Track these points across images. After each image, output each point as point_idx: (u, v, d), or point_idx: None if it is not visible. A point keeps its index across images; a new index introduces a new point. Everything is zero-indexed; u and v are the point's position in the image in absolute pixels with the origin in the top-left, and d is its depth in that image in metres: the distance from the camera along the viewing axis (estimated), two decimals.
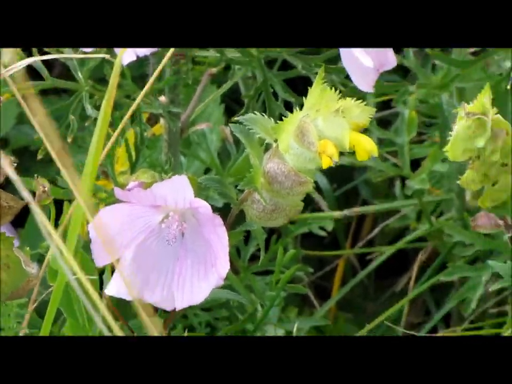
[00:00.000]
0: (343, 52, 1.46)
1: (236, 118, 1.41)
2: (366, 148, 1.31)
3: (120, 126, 1.35)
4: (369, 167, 1.53)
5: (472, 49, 1.91)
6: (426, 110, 1.54)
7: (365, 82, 1.43)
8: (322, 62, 1.45)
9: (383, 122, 1.54)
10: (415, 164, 1.69)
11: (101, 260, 1.37)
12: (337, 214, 1.57)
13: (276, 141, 1.33)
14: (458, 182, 1.33)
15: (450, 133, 1.30)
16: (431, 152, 1.50)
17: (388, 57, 1.50)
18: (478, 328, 1.60)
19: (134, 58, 1.52)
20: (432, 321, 1.63)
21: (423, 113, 1.55)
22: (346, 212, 1.54)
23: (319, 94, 1.32)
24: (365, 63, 1.39)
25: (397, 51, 1.65)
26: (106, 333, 1.30)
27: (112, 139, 1.38)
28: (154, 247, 1.40)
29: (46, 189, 1.42)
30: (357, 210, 1.61)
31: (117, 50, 1.55)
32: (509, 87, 1.38)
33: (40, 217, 1.22)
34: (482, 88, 1.40)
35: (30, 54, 1.58)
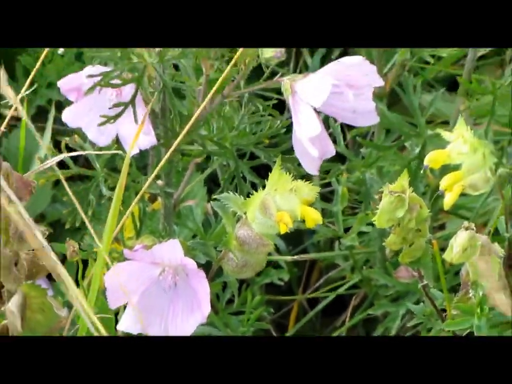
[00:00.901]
0: (296, 145, 1.38)
1: (215, 196, 1.38)
2: (313, 217, 1.30)
3: (133, 204, 1.36)
4: (315, 231, 1.52)
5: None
6: (356, 187, 1.53)
7: (312, 167, 1.36)
8: (279, 153, 1.39)
9: (325, 197, 1.56)
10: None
11: (113, 303, 1.33)
12: (289, 258, 1.61)
13: (245, 213, 1.31)
14: (383, 243, 1.32)
15: (377, 206, 1.29)
16: (358, 218, 1.50)
17: (328, 148, 1.42)
18: None
19: (137, 151, 1.46)
20: None
21: (354, 190, 1.53)
22: (296, 257, 1.61)
23: (277, 177, 1.31)
24: (312, 153, 1.33)
25: (333, 141, 1.49)
26: None
27: (125, 217, 1.36)
28: (154, 294, 1.37)
29: (75, 248, 1.40)
30: (303, 256, 1.66)
31: (126, 146, 1.47)
32: (422, 171, 1.39)
33: (65, 276, 1.19)
34: (397, 166, 1.45)
35: (59, 150, 1.46)
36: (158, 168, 1.33)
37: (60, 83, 1.44)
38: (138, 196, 1.34)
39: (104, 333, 1.27)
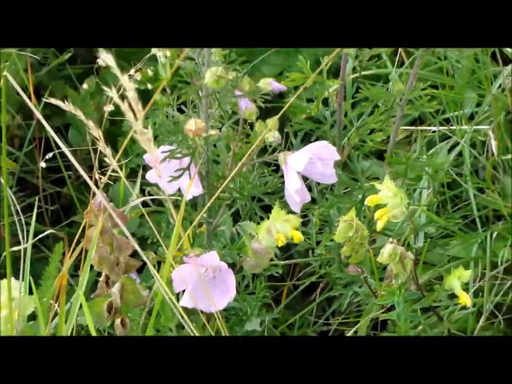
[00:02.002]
0: (286, 194, 1.35)
1: (239, 224, 1.38)
2: (298, 236, 1.26)
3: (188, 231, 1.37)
4: (298, 244, 1.40)
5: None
6: (324, 218, 1.49)
7: (296, 207, 1.32)
8: (277, 198, 1.34)
9: (305, 224, 1.46)
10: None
11: (177, 289, 1.29)
12: (282, 262, 1.49)
13: (257, 234, 1.28)
14: (340, 251, 1.31)
15: (337, 229, 1.28)
16: (325, 236, 1.45)
17: (306, 196, 1.37)
18: (346, 318, 1.52)
19: (191, 197, 1.41)
20: (326, 314, 1.55)
21: (322, 220, 1.48)
22: (286, 262, 1.51)
23: (276, 213, 1.26)
24: (296, 199, 1.31)
25: (309, 190, 1.44)
26: (181, 320, 1.24)
27: (184, 236, 1.31)
28: (201, 283, 1.31)
29: (153, 255, 1.38)
30: (290, 261, 1.55)
31: (184, 193, 1.37)
32: (363, 208, 1.40)
33: (152, 269, 1.20)
34: (348, 205, 1.41)
35: (143, 195, 1.43)
36: (205, 208, 1.32)
37: (144, 156, 1.41)
38: (193, 224, 1.32)
39: (176, 303, 1.24)
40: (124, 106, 1.06)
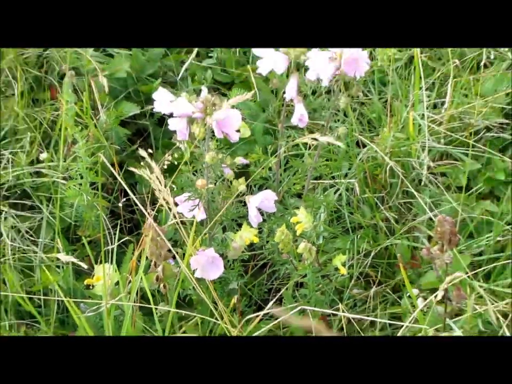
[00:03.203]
0: (250, 218, 1.24)
1: (225, 233, 1.30)
2: (256, 239, 1.25)
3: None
4: (256, 244, 1.32)
5: None
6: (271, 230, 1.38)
7: (254, 224, 1.24)
8: (245, 220, 1.28)
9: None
10: None
11: (193, 267, 1.22)
12: (248, 253, 1.40)
13: (234, 238, 1.25)
14: (278, 247, 1.25)
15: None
16: (270, 239, 1.35)
17: (259, 218, 1.27)
18: (282, 281, 1.39)
19: (200, 220, 1.27)
20: (272, 279, 1.45)
21: (270, 230, 1.37)
22: (249, 253, 1.41)
23: (244, 227, 1.24)
24: (254, 220, 1.23)
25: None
26: (193, 283, 1.15)
27: (197, 241, 1.29)
28: (205, 264, 1.24)
29: (180, 250, 1.26)
30: (251, 253, 1.44)
31: (197, 217, 1.22)
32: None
33: (178, 259, 1.17)
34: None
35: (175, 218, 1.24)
36: (208, 227, 1.26)
37: (176, 198, 1.26)
38: (201, 234, 1.27)
39: (191, 275, 1.15)
40: (154, 178, 1.11)
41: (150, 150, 1.26)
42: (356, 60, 1.04)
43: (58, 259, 1.28)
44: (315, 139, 1.14)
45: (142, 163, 1.48)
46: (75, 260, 1.20)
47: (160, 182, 1.17)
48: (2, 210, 1.39)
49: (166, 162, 1.38)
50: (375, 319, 1.22)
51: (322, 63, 1.05)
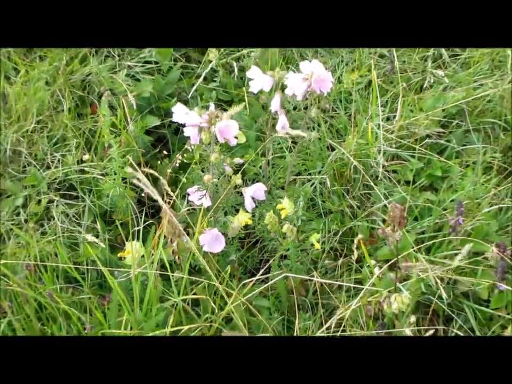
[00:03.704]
0: (246, 205, 1.20)
1: (226, 217, 1.25)
2: (250, 221, 1.22)
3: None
4: (250, 225, 1.25)
5: None
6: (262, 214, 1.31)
7: (249, 210, 1.20)
8: (242, 206, 1.24)
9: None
10: None
11: (201, 243, 1.20)
12: (243, 232, 1.29)
13: (233, 221, 1.23)
14: (267, 227, 1.22)
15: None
16: (261, 221, 1.27)
17: (253, 205, 1.22)
18: (270, 254, 1.37)
19: (208, 204, 1.22)
20: (262, 252, 1.39)
21: (261, 215, 1.32)
22: (244, 232, 1.32)
23: (241, 212, 1.23)
24: (249, 207, 1.19)
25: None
26: (197, 255, 1.08)
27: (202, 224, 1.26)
28: (211, 240, 1.22)
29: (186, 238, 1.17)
30: (246, 231, 1.36)
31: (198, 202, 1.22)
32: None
33: (188, 240, 1.13)
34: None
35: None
36: (211, 210, 1.22)
37: (188, 190, 1.23)
38: (206, 217, 1.22)
39: (197, 252, 1.09)
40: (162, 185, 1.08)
41: (166, 152, 1.24)
42: (323, 80, 1.05)
43: (97, 237, 1.33)
44: (288, 133, 1.11)
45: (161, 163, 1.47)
46: (97, 240, 1.19)
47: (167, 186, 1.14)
48: (54, 199, 1.41)
49: (179, 162, 1.37)
50: (342, 283, 1.22)
51: (297, 82, 1.06)
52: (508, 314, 1.07)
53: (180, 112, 1.13)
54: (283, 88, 1.12)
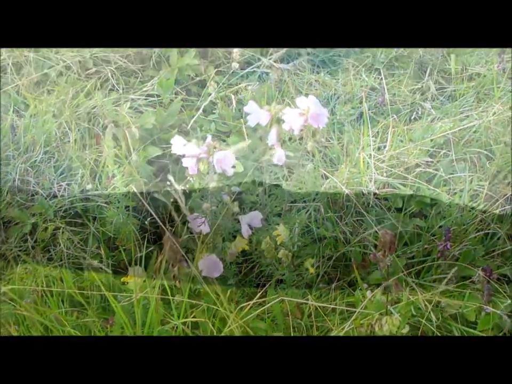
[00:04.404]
0: (243, 231, 1.22)
1: (224, 242, 1.27)
2: (246, 247, 1.25)
3: None
4: (247, 250, 1.26)
5: None
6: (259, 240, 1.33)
7: (246, 236, 1.23)
8: (239, 233, 1.26)
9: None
10: None
11: (200, 268, 1.20)
12: (241, 258, 1.28)
13: (231, 246, 1.26)
14: (264, 253, 1.24)
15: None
16: (258, 247, 1.27)
17: (250, 232, 1.24)
18: (267, 278, 1.37)
19: (205, 232, 1.22)
20: (259, 277, 1.38)
21: (258, 241, 1.33)
22: (242, 258, 1.30)
23: (238, 238, 1.25)
24: (245, 233, 1.22)
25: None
26: (199, 279, 1.12)
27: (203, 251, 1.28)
28: (210, 265, 1.23)
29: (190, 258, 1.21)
30: (243, 258, 1.35)
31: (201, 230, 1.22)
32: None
33: (190, 265, 1.16)
34: None
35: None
36: (209, 235, 1.21)
37: (188, 217, 1.21)
38: (205, 241, 1.22)
39: (199, 274, 1.12)
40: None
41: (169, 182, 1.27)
42: (318, 115, 1.07)
43: (101, 262, 1.35)
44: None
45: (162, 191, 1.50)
46: (101, 265, 1.22)
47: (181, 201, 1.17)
48: (60, 226, 1.43)
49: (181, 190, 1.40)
50: (335, 306, 1.23)
51: (294, 117, 1.08)
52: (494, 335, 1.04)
53: (178, 144, 1.13)
54: (279, 121, 1.12)
